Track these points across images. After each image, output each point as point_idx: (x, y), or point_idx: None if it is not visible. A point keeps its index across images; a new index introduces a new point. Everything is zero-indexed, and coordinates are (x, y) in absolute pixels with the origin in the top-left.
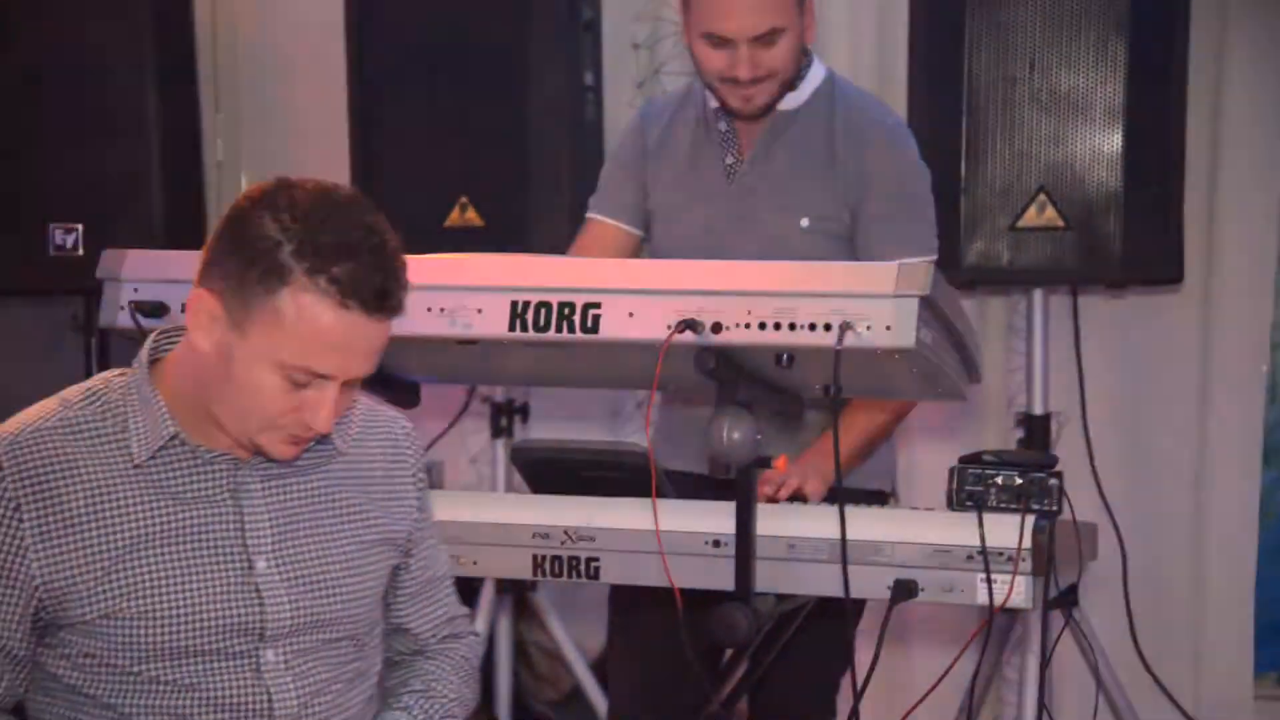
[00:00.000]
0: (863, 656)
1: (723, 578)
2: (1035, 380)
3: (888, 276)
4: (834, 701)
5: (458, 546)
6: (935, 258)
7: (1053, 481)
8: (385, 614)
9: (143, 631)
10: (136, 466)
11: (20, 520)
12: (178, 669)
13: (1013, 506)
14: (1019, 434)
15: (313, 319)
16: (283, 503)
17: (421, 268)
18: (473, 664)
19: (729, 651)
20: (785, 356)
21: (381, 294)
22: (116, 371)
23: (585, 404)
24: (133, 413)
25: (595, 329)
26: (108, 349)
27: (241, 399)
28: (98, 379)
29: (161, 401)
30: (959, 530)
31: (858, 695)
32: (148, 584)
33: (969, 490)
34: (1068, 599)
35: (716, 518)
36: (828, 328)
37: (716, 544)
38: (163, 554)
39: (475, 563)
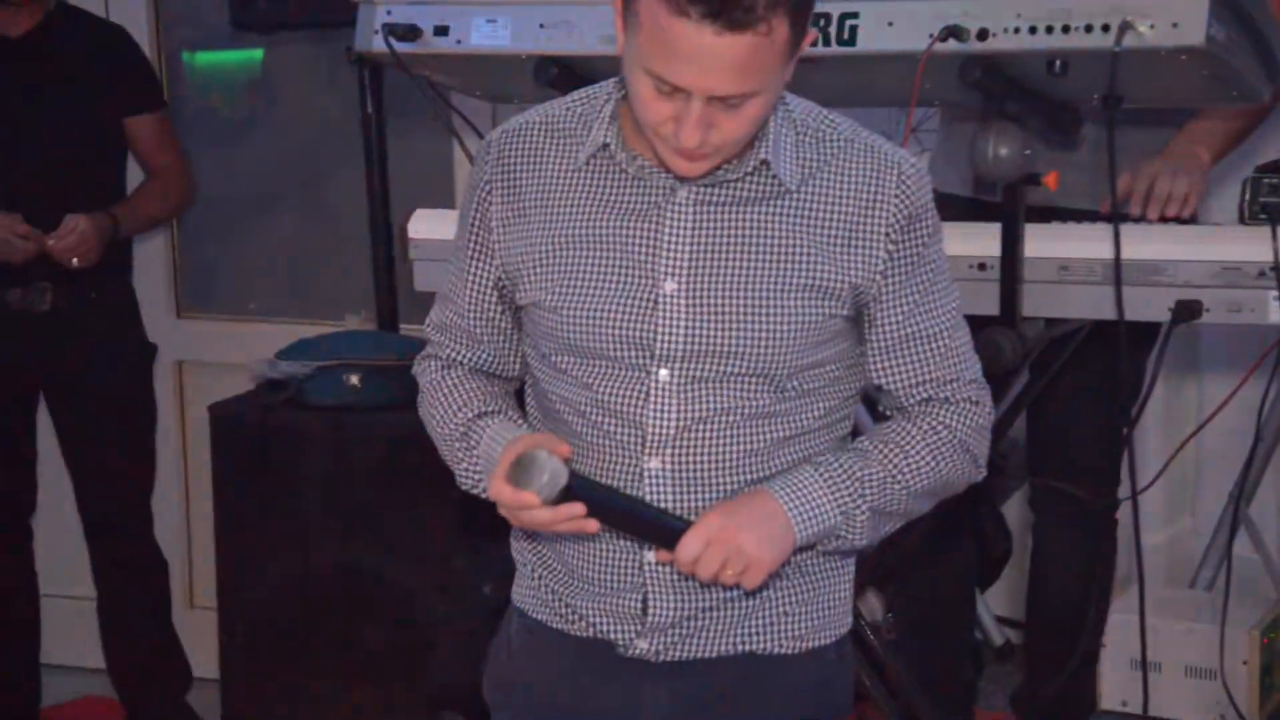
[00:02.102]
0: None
1: (988, 302)
2: None
3: None
4: (1119, 437)
5: None
6: None
7: None
8: (867, 368)
9: (555, 324)
10: (575, 170)
11: (491, 201)
12: (579, 366)
13: None
14: None
15: (660, 25)
16: (712, 230)
17: None
18: (955, 433)
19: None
20: (1058, 62)
21: (730, 8)
22: (618, 78)
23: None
24: (597, 119)
25: (852, 40)
26: (380, 79)
27: (633, 103)
28: (604, 82)
29: (609, 112)
30: (1249, 245)
31: (1132, 422)
32: (565, 281)
33: (1264, 202)
34: None
35: (981, 239)
36: (1105, 28)
37: (982, 267)
38: (584, 255)
39: None
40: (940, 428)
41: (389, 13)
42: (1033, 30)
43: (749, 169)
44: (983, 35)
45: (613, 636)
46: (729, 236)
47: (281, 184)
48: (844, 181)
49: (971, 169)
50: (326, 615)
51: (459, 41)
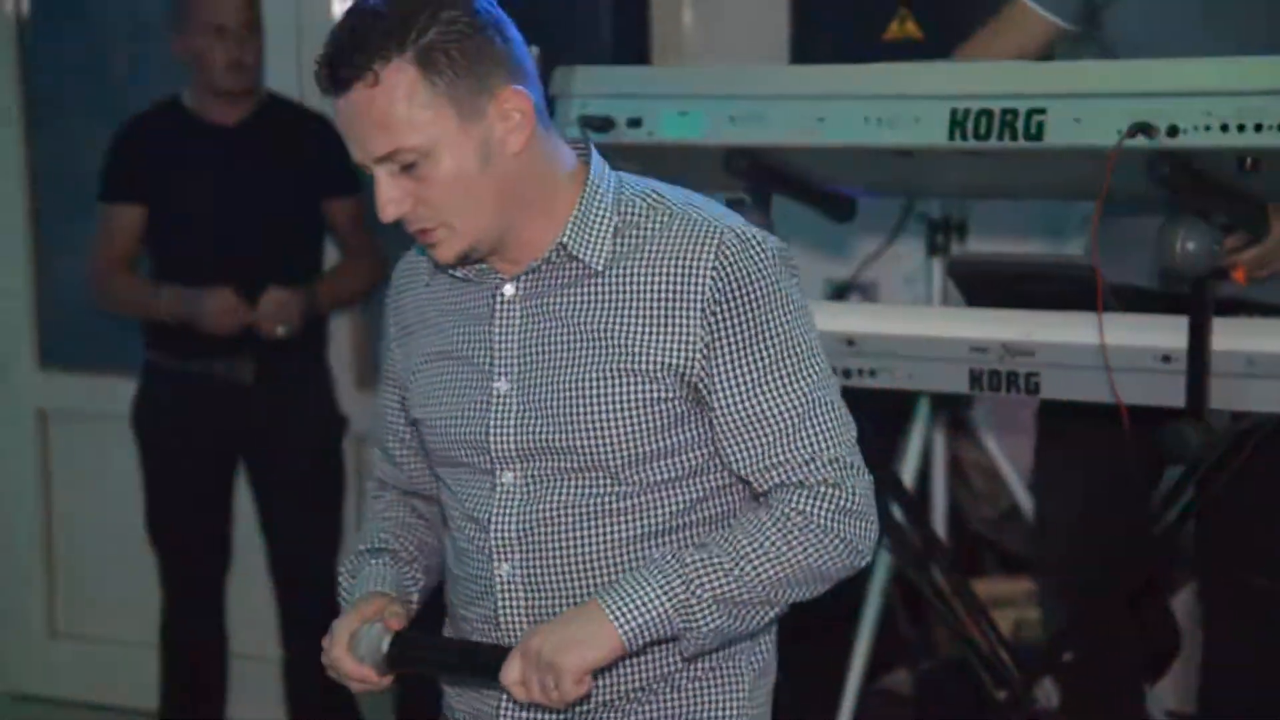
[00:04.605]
0: None
1: (1172, 394)
2: None
3: None
4: None
5: (892, 360)
6: None
7: None
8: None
9: (427, 436)
10: (433, 285)
11: (391, 325)
12: (450, 475)
13: None
14: None
15: None
16: (537, 323)
17: (858, 77)
18: (811, 518)
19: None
20: (1249, 160)
21: (329, 65)
22: None
23: (1026, 219)
24: None
25: (1039, 136)
26: None
27: None
28: None
29: None
30: None
31: None
32: (428, 394)
33: None
34: None
35: (1166, 332)
36: None
37: (1166, 359)
38: (442, 367)
39: (910, 376)
40: (793, 513)
41: (585, 105)
42: (1224, 129)
43: (548, 254)
44: (1173, 132)
45: None
46: (550, 327)
47: None
48: (657, 258)
49: (1156, 261)
50: None
51: (651, 133)
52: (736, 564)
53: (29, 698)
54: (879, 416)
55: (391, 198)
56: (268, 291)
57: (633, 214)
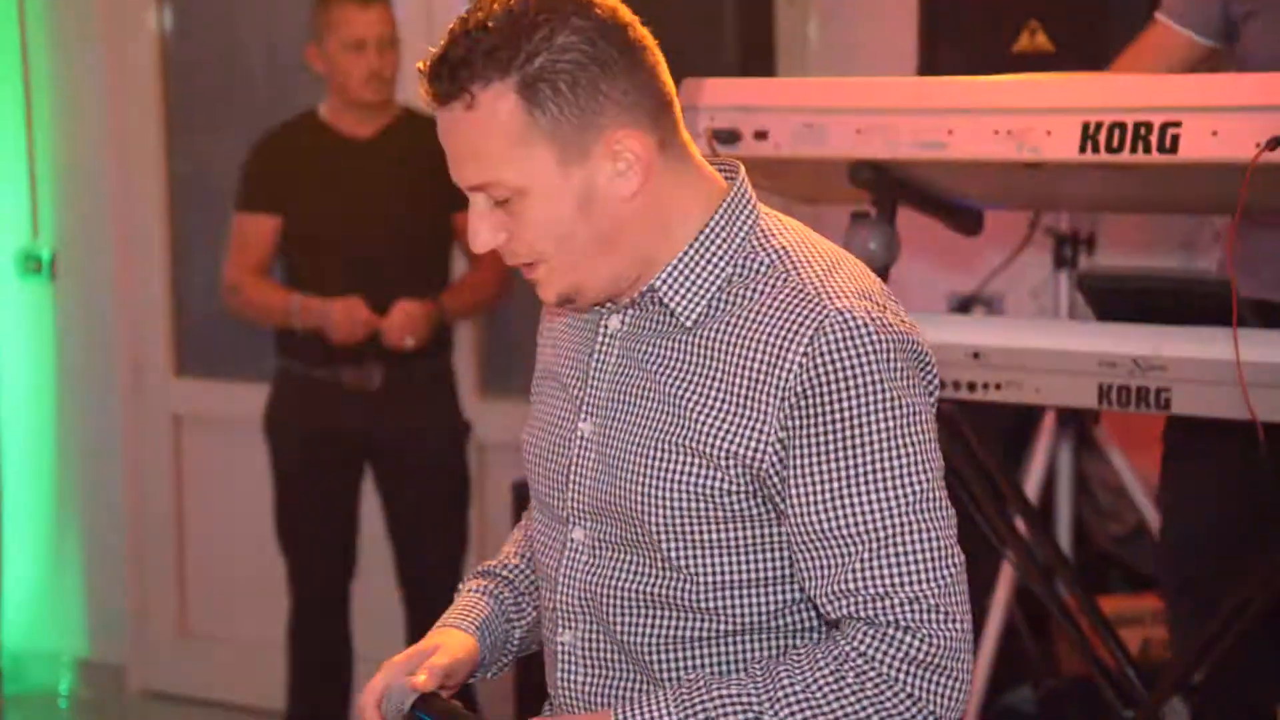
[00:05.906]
0: None
1: None
2: None
3: None
4: None
5: (1019, 374)
6: None
7: None
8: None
9: (524, 463)
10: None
11: (541, 325)
12: (537, 514)
13: None
14: None
15: None
16: (628, 369)
17: (987, 90)
18: (874, 664)
19: None
20: None
21: (428, 77)
22: None
23: (1156, 233)
24: None
25: (1174, 149)
26: None
27: None
28: None
29: None
30: None
31: None
32: (534, 418)
33: None
34: None
35: None
36: None
37: None
38: (546, 388)
39: (1037, 390)
40: (854, 654)
41: (712, 118)
42: None
43: (635, 295)
44: None
45: None
46: (637, 377)
47: None
48: (752, 328)
49: None
50: None
51: (777, 146)
52: (773, 706)
53: (160, 695)
54: (1004, 430)
55: (483, 229)
56: (397, 303)
57: (752, 267)
